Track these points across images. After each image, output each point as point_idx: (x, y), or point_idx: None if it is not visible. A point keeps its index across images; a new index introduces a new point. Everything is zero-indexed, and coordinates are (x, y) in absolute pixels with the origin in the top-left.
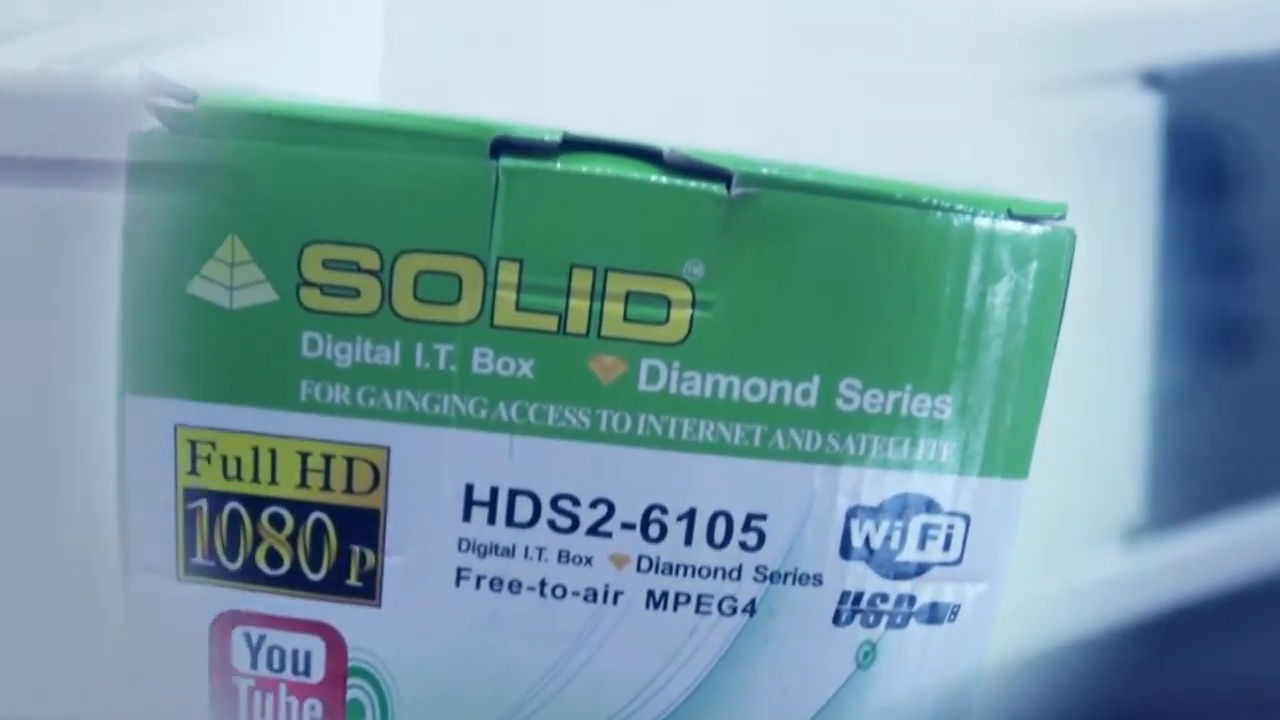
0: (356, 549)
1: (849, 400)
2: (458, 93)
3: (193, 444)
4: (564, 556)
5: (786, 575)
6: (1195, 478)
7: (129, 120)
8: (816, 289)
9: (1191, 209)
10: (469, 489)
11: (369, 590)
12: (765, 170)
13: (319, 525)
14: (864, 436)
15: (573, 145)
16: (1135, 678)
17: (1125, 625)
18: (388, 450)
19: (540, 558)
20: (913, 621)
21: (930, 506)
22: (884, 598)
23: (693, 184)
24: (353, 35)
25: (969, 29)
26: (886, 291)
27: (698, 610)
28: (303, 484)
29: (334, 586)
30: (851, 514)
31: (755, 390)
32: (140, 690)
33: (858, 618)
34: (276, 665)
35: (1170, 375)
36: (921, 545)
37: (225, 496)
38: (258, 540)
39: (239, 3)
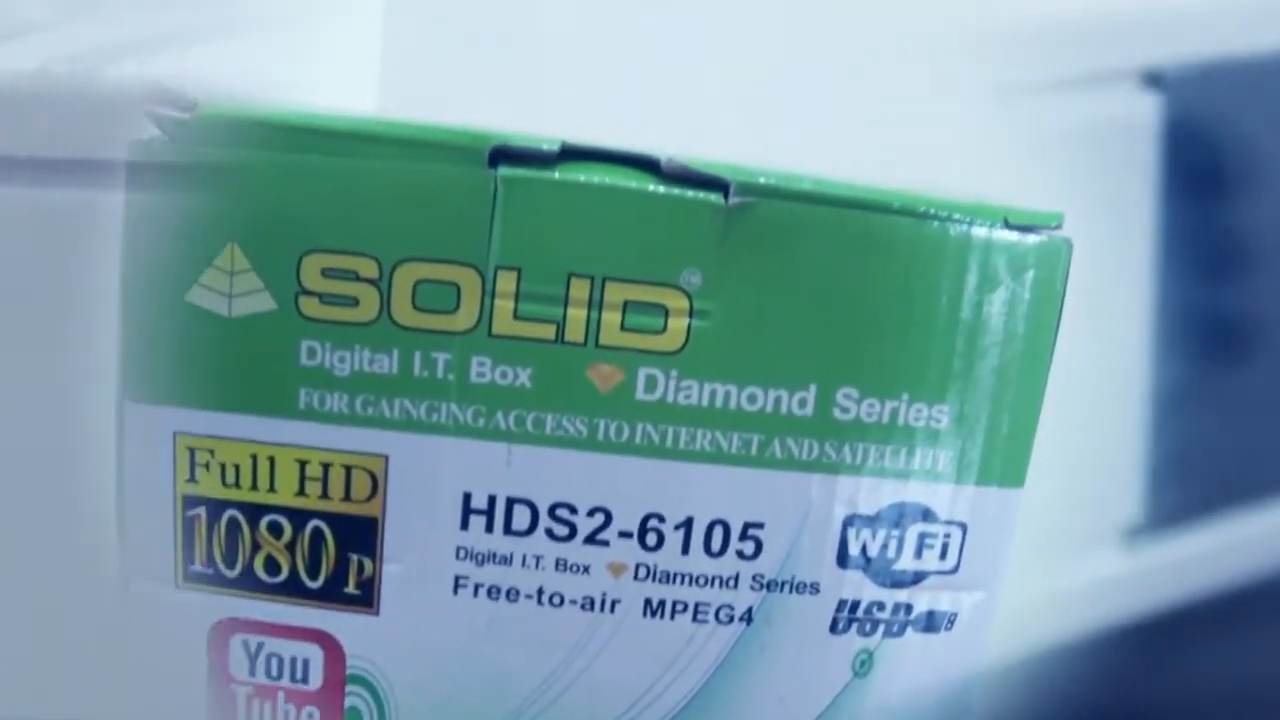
0: (355, 557)
1: (846, 409)
2: (456, 101)
3: (191, 451)
4: (561, 565)
5: (783, 584)
6: (1195, 478)
7: (129, 120)
8: (813, 298)
9: (1191, 209)
10: (467, 497)
11: (367, 598)
12: (762, 180)
13: (317, 533)
14: (861, 445)
15: (570, 154)
16: (1135, 678)
17: (1125, 625)
18: (386, 459)
19: (538, 566)
20: (909, 630)
21: (927, 515)
22: (881, 606)
23: (690, 193)
24: (351, 39)
25: (969, 29)
26: (883, 301)
27: (695, 619)
28: (301, 492)
29: (332, 594)
30: (848, 523)
31: (752, 399)
32: (139, 696)
33: (854, 626)
34: (275, 673)
35: (1169, 375)
36: (918, 554)
37: (224, 504)
38: (256, 548)
39: (239, 3)
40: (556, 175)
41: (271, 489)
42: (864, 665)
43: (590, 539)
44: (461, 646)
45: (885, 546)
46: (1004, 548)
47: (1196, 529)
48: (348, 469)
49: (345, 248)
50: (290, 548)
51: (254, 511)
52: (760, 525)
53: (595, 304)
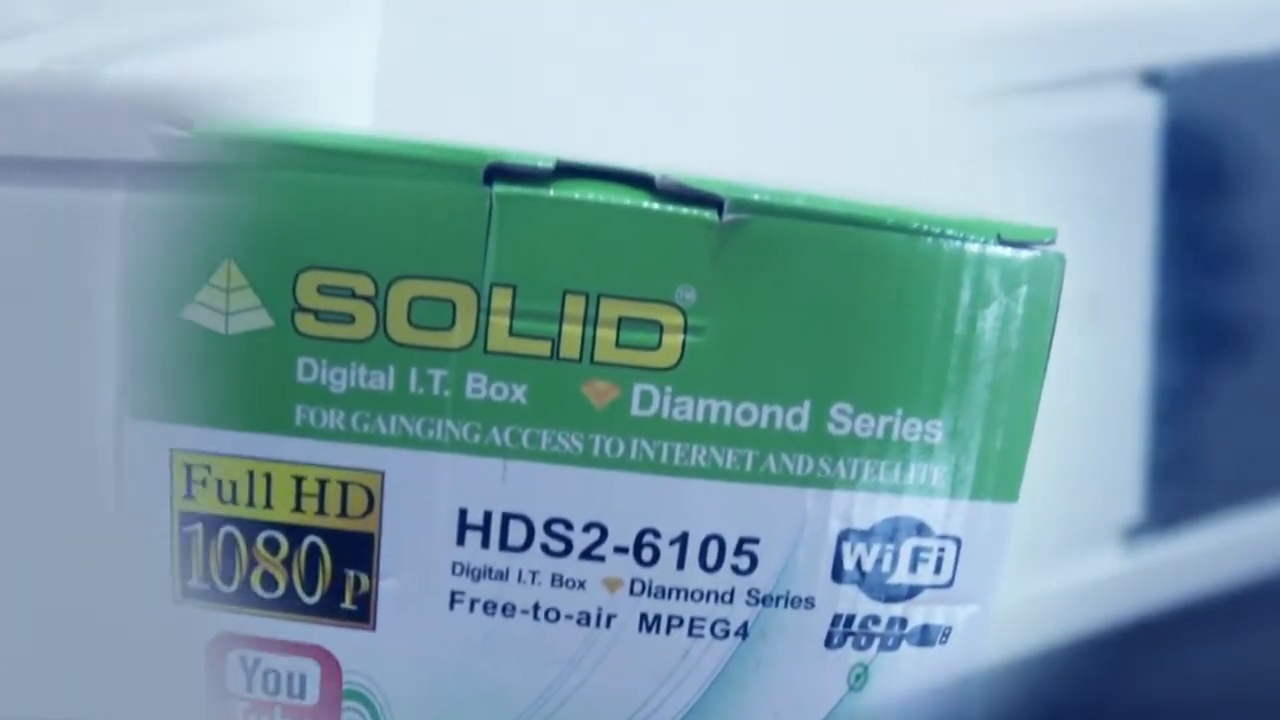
0: (351, 572)
1: (840, 425)
2: (455, 101)
3: (188, 468)
4: (557, 580)
5: (779, 598)
6: (1195, 478)
7: (129, 120)
8: (807, 314)
9: (1191, 209)
10: (463, 513)
11: (364, 614)
12: (756, 196)
13: (314, 549)
14: (855, 460)
15: (565, 172)
16: (1135, 678)
17: (1125, 625)
18: (382, 475)
19: (534, 581)
20: (904, 644)
21: (921, 530)
22: (876, 620)
23: (684, 210)
24: (350, 40)
25: (968, 29)
26: (877, 316)
27: (690, 633)
28: (297, 508)
29: (329, 610)
30: (843, 537)
31: (747, 415)
32: (138, 709)
33: (850, 640)
34: (272, 688)
35: (1169, 375)
36: (913, 568)
37: (221, 520)
38: (253, 564)
39: (240, 3)
40: (551, 192)
41: (268, 505)
42: (859, 679)
43: (586, 554)
44: (458, 662)
45: (880, 561)
46: (998, 562)
47: (1196, 529)
48: (344, 485)
49: (341, 265)
50: (287, 563)
51: (251, 527)
52: (755, 540)
53: (590, 320)
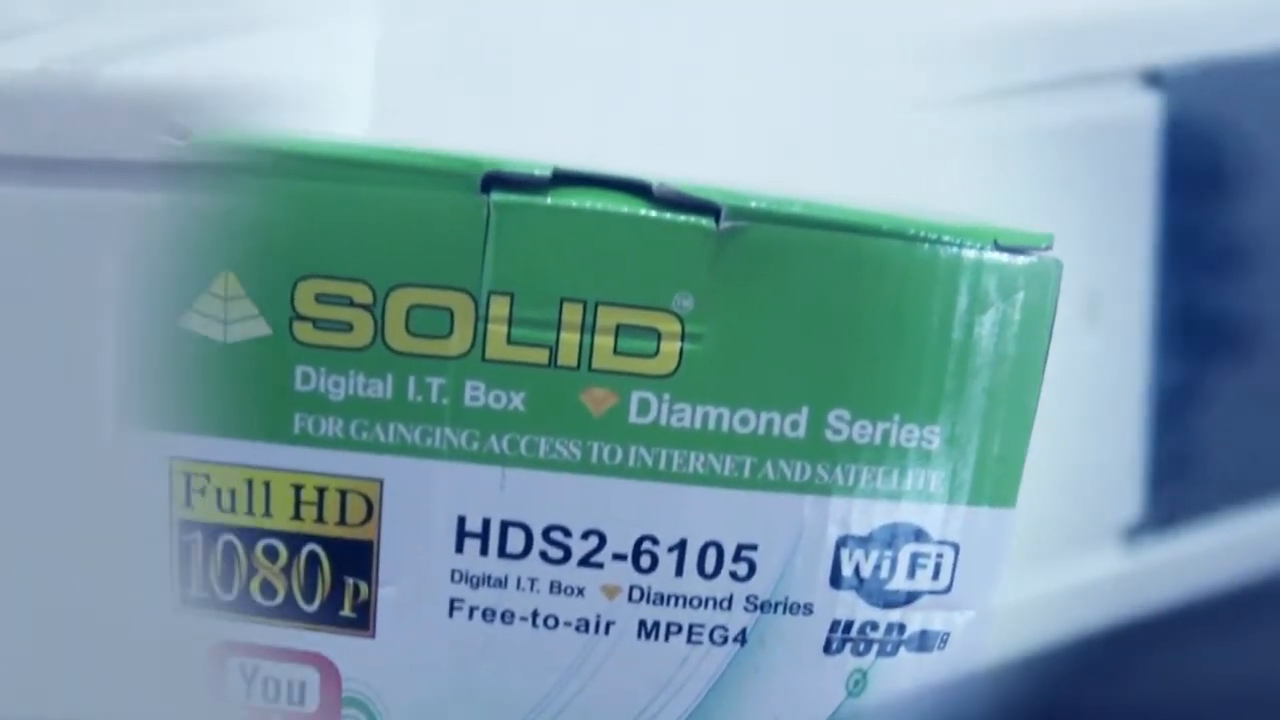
0: (350, 580)
1: (838, 431)
2: (451, 118)
3: (187, 477)
4: (556, 587)
5: (777, 605)
6: (1195, 478)
7: (129, 120)
8: (805, 321)
9: (1191, 209)
10: (461, 521)
11: (363, 621)
12: (753, 204)
13: (313, 557)
14: (853, 467)
15: (563, 179)
16: (1135, 678)
17: (1125, 625)
18: (381, 483)
19: (532, 588)
20: (903, 650)
21: (919, 535)
22: (874, 626)
23: (682, 218)
24: (350, 40)
25: (967, 29)
26: (874, 323)
27: (689, 640)
28: (296, 516)
29: (328, 617)
30: (841, 543)
31: (745, 422)
32: (138, 711)
33: (848, 646)
34: (271, 696)
35: (1169, 375)
36: (911, 574)
37: (219, 529)
38: (252, 572)
39: (240, 3)
40: (549, 200)
41: (267, 513)
42: (858, 685)
43: (584, 561)
44: (457, 669)
45: (878, 567)
46: (997, 567)
47: (1196, 529)
48: (343, 493)
49: (339, 273)
50: (286, 571)
51: (250, 536)
52: (754, 547)
53: (588, 328)
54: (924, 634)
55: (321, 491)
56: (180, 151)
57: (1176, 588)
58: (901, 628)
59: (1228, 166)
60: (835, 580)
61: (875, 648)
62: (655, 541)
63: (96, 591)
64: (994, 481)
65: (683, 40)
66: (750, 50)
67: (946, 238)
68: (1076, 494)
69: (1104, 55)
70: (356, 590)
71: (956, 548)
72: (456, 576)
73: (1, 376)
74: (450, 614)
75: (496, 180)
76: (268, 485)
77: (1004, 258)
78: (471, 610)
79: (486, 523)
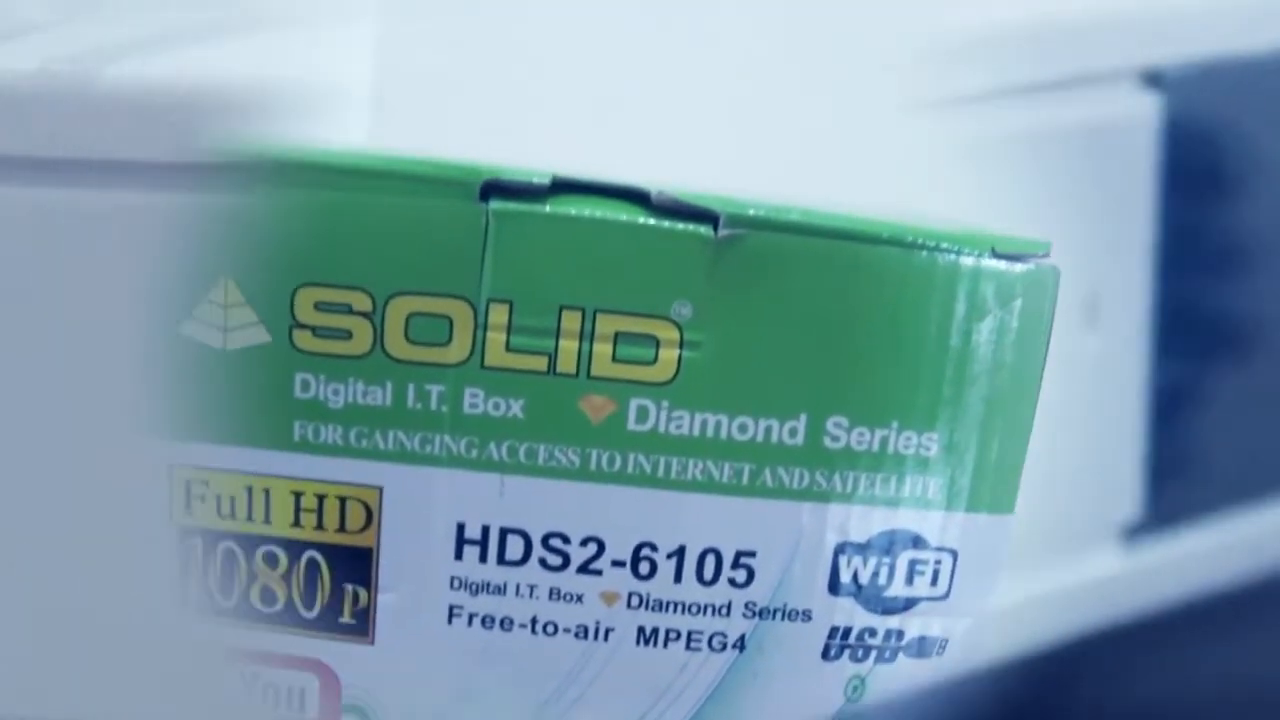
0: (350, 587)
1: (836, 438)
2: (452, 103)
3: (187, 483)
4: (555, 594)
5: (775, 611)
6: (1195, 478)
7: (129, 120)
8: (803, 328)
9: (1191, 209)
10: (460, 528)
11: (362, 628)
12: (752, 211)
13: (312, 564)
14: (851, 474)
15: (562, 187)
16: (1135, 678)
17: (1125, 625)
18: (380, 490)
19: (531, 595)
20: (901, 656)
21: (917, 542)
22: (872, 633)
23: (680, 225)
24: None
25: (967, 29)
26: (872, 330)
27: (688, 646)
28: (296, 523)
29: (327, 624)
30: (840, 550)
31: (743, 429)
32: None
33: (846, 653)
34: (270, 702)
35: (1169, 375)
36: (909, 580)
37: (219, 536)
38: (252, 578)
39: (240, 3)
40: (548, 208)
41: (266, 520)
42: (856, 691)
43: (583, 568)
44: (456, 675)
45: (876, 573)
46: (995, 574)
47: (1196, 529)
48: (342, 500)
49: (338, 281)
50: (286, 578)
51: (249, 543)
52: (752, 553)
53: (587, 336)
54: (922, 640)
55: (321, 498)
56: (184, 155)
57: (1176, 588)
58: (900, 634)
59: (1228, 167)
60: (834, 587)
61: (874, 654)
62: (654, 548)
63: (96, 597)
64: (992, 488)
65: (679, 44)
66: (749, 51)
67: (944, 245)
68: (1076, 494)
69: (1104, 55)
70: (356, 597)
71: (954, 554)
72: (456, 583)
73: (0, 377)
74: (449, 621)
75: (495, 188)
76: (267, 492)
77: (1002, 265)
78: (471, 617)
79: (486, 530)
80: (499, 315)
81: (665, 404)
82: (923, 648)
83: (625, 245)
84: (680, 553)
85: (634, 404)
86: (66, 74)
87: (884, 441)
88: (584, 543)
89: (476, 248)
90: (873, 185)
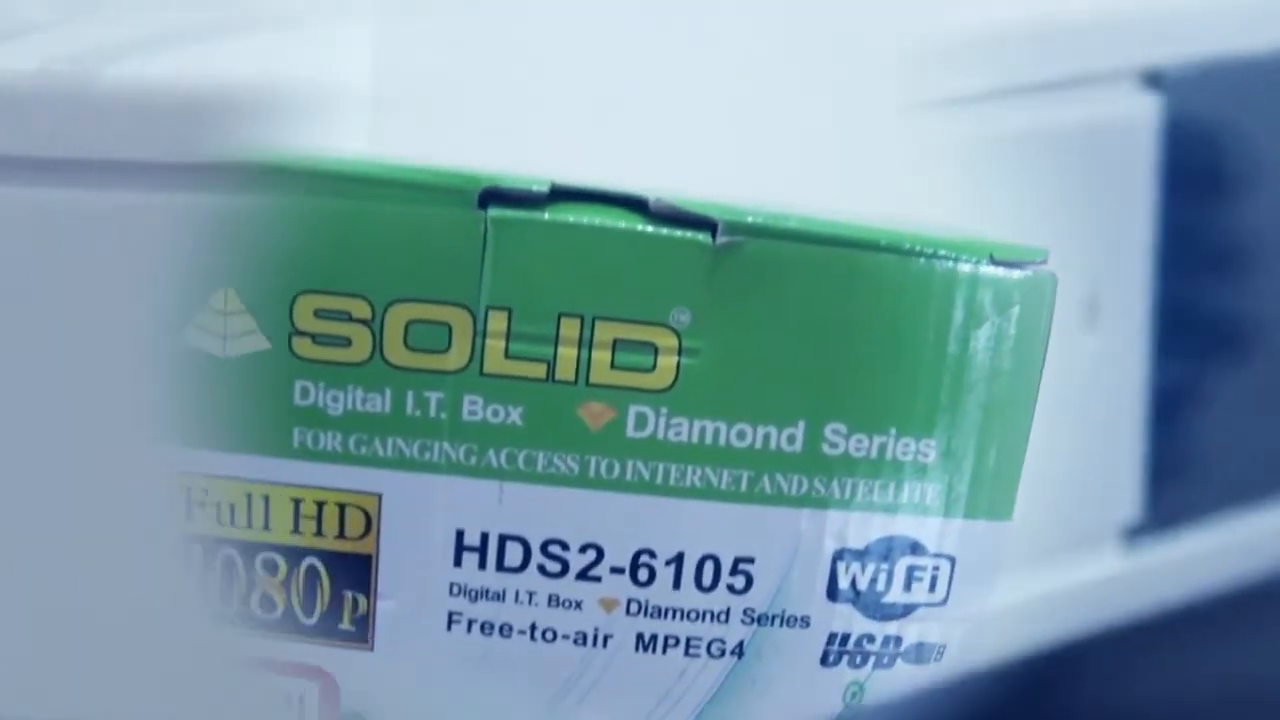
0: (349, 594)
1: (834, 445)
2: (448, 132)
3: (187, 490)
4: (554, 600)
5: (774, 617)
6: (1195, 478)
7: (129, 120)
8: (801, 335)
9: (1191, 209)
10: (460, 534)
11: (362, 634)
12: (750, 219)
13: (312, 570)
14: (849, 480)
15: (560, 195)
16: (1135, 678)
17: (1125, 625)
18: (379, 497)
19: (531, 602)
20: (899, 662)
21: (915, 548)
22: (871, 639)
23: (678, 233)
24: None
25: (967, 29)
26: (870, 337)
27: (687, 653)
28: (295, 530)
29: (327, 631)
30: (838, 556)
31: (742, 436)
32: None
33: (845, 659)
34: (270, 709)
35: (1169, 375)
36: (907, 587)
37: (219, 542)
38: (251, 585)
39: (240, 4)
40: (546, 216)
41: (266, 527)
42: (855, 697)
43: (582, 575)
44: (455, 682)
45: (874, 580)
46: (992, 580)
47: (1196, 529)
48: (341, 507)
49: (338, 289)
50: (285, 585)
51: (249, 549)
52: (750, 560)
53: (585, 343)
54: (920, 646)
55: (320, 505)
56: (185, 156)
57: (1176, 588)
58: (898, 640)
59: (1228, 167)
60: (832, 593)
61: (872, 660)
62: (653, 555)
63: (96, 603)
64: (990, 494)
65: (678, 43)
66: (748, 51)
67: (942, 252)
68: (1076, 494)
69: (1104, 55)
70: (355, 603)
71: (952, 560)
72: (455, 590)
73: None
74: (449, 627)
75: (494, 196)
76: (267, 499)
77: (999, 272)
78: (470, 623)
79: (485, 536)
80: (498, 322)
81: (664, 411)
82: (921, 654)
83: (624, 253)
84: (679, 559)
85: (633, 411)
86: (66, 74)
87: (882, 448)
88: (583, 549)
89: (475, 255)
90: (873, 185)
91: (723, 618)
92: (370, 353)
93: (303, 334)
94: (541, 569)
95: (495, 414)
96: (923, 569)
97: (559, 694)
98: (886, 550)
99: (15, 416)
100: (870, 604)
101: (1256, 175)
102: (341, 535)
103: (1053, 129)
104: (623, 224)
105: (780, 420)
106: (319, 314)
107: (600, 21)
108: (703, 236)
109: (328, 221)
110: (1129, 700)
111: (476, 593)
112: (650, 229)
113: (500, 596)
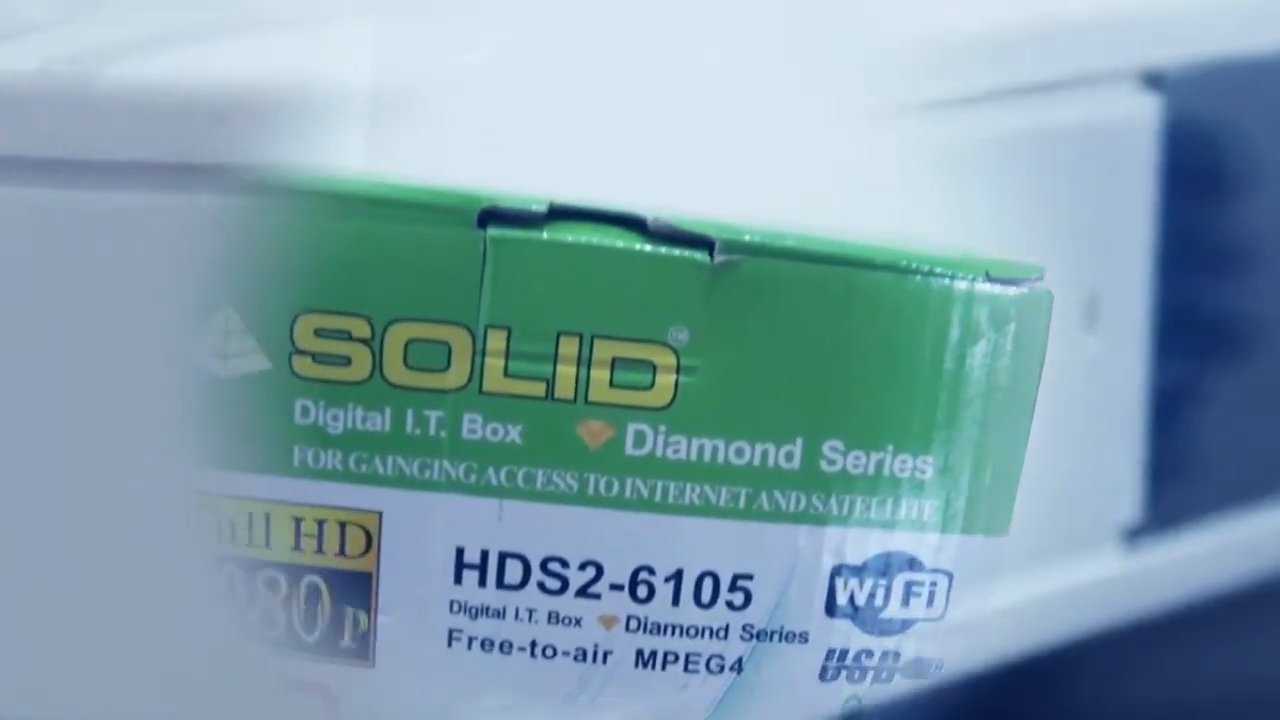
0: (350, 611)
1: (832, 462)
2: (447, 133)
3: (187, 508)
4: (554, 617)
5: (773, 633)
6: (1195, 478)
7: (129, 120)
8: (798, 353)
9: (1191, 210)
10: (460, 552)
11: (362, 651)
12: (747, 237)
13: (312, 588)
14: (847, 497)
15: (559, 214)
16: (1135, 678)
17: (1125, 625)
18: (380, 515)
19: (530, 619)
20: (898, 677)
21: (913, 564)
22: (869, 654)
23: (676, 252)
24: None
25: (967, 29)
26: (867, 354)
27: (686, 669)
28: (296, 548)
29: (328, 648)
30: (836, 572)
31: (740, 453)
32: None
33: (844, 674)
34: None
35: (1169, 376)
36: (905, 602)
37: (220, 560)
38: (252, 603)
39: (240, 4)
40: (545, 235)
41: (267, 545)
42: (854, 713)
43: (582, 592)
44: (456, 699)
45: (873, 595)
46: (989, 595)
47: (1196, 529)
48: (342, 525)
49: (338, 308)
50: (286, 602)
51: (250, 567)
52: (749, 576)
53: (584, 361)
54: (918, 661)
55: (321, 523)
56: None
57: (1176, 588)
58: (896, 655)
59: (1228, 167)
60: (830, 609)
61: (870, 675)
62: (652, 572)
63: (94, 620)
64: (987, 510)
65: (677, 43)
66: (747, 51)
67: (938, 270)
68: (1076, 495)
69: (1104, 55)
70: (356, 621)
71: (950, 576)
72: (455, 607)
73: None
74: (449, 644)
75: (492, 215)
76: (268, 517)
77: (995, 289)
78: (470, 640)
79: (485, 554)
80: (497, 341)
81: (662, 429)
82: (919, 668)
83: (622, 271)
84: (678, 576)
85: (631, 429)
86: (66, 74)
87: (879, 465)
88: (582, 566)
89: (474, 274)
90: (873, 186)
91: (722, 634)
92: (370, 372)
93: (303, 353)
94: (541, 586)
95: (494, 432)
96: (920, 584)
97: (559, 711)
98: (884, 566)
99: (12, 421)
100: (868, 619)
101: (1256, 176)
102: (342, 553)
103: (1053, 129)
104: (621, 243)
105: (778, 437)
106: (319, 333)
107: (600, 21)
108: (700, 255)
109: (328, 241)
110: (1129, 700)
111: (476, 610)
112: (648, 248)
113: (500, 614)
